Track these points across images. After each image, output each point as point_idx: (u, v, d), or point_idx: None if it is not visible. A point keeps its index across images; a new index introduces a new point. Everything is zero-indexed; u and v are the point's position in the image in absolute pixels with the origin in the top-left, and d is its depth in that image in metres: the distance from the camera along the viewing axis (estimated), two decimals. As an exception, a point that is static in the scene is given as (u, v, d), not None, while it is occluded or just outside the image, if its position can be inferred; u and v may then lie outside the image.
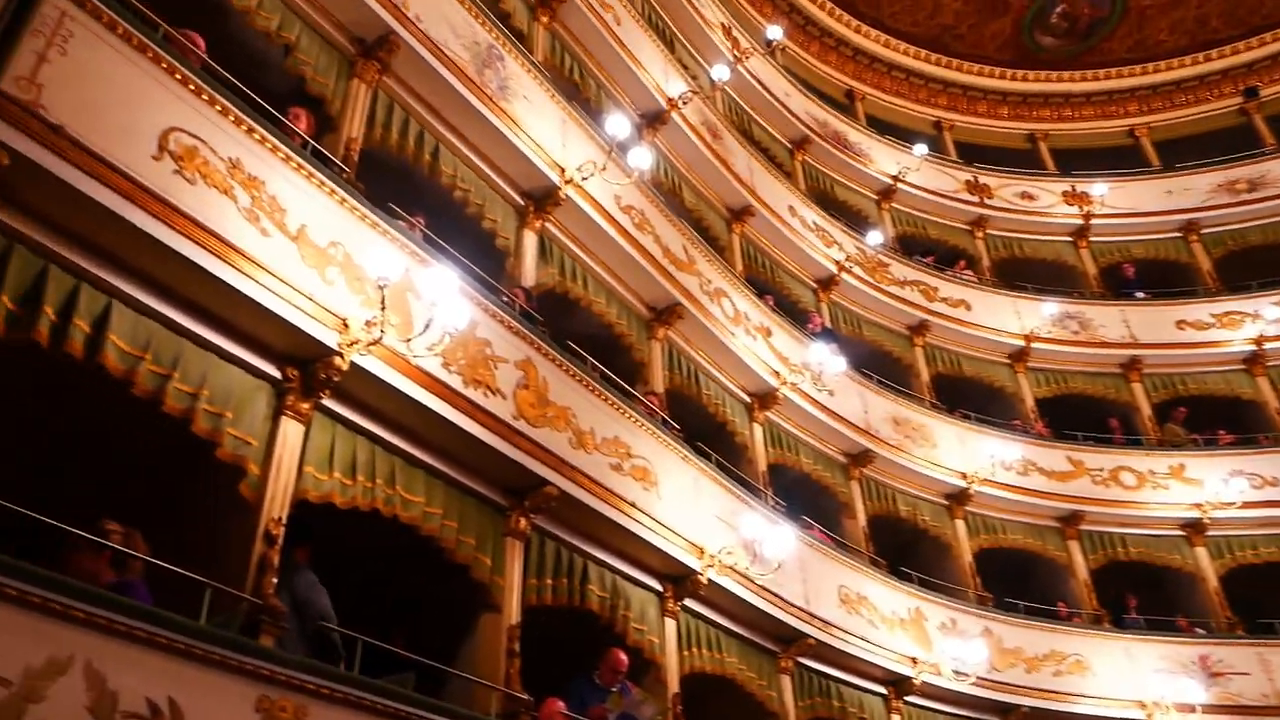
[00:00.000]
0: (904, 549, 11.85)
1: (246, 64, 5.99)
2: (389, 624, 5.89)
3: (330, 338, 5.22)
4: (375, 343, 5.32)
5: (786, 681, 8.80)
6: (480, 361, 6.27)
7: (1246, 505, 12.54)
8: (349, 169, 6.24)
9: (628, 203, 9.41)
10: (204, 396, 4.70)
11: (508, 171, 8.25)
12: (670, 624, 7.69)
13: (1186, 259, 16.00)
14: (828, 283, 13.60)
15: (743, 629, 8.58)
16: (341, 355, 5.24)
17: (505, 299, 7.00)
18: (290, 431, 5.11)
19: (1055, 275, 16.05)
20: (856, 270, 13.86)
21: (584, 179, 8.56)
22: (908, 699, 10.17)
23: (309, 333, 5.13)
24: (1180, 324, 14.76)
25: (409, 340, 5.59)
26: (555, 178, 8.42)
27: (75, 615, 3.40)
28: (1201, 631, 12.05)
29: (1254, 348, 14.28)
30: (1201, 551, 12.74)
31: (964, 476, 12.39)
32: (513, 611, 6.11)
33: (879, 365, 13.34)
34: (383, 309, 5.25)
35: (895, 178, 15.95)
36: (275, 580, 4.66)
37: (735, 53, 14.22)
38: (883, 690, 10.01)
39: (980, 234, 16.41)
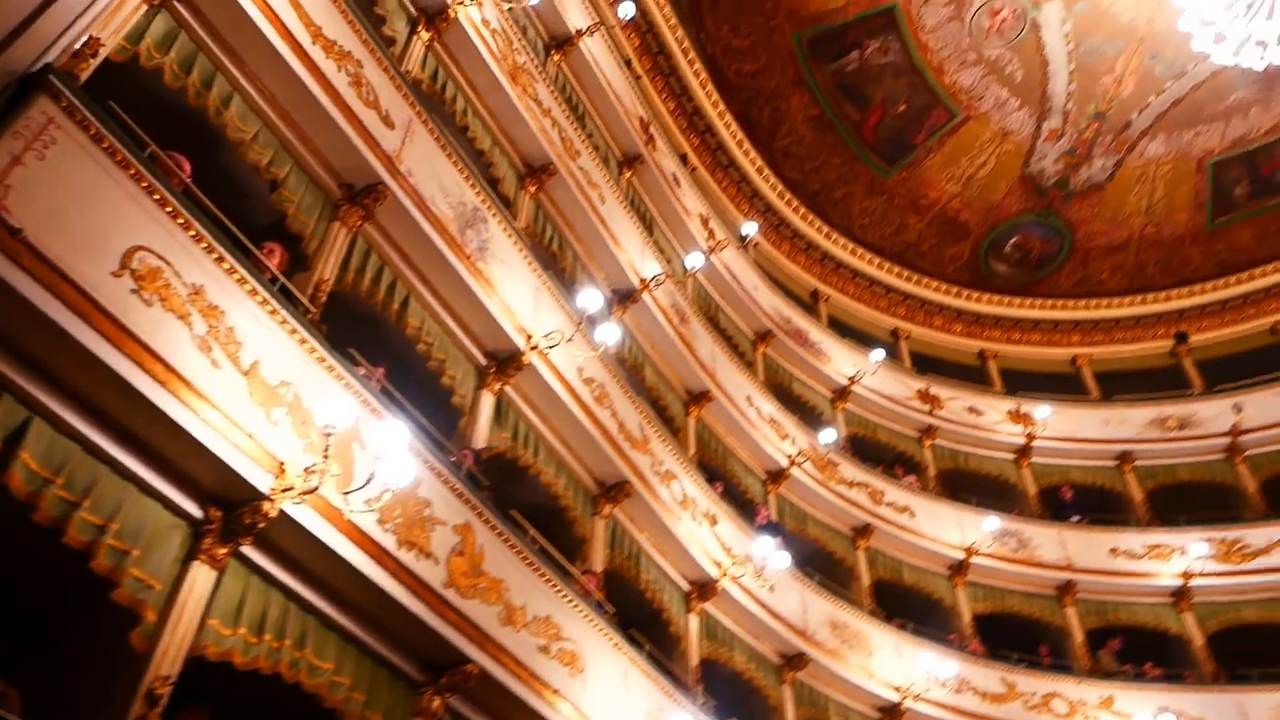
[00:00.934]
0: (834, 763, 11.24)
1: (230, 192, 5.98)
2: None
3: (264, 480, 4.93)
4: (311, 491, 5.03)
5: None
6: (418, 522, 5.96)
7: (1176, 747, 12.21)
8: (315, 309, 6.13)
9: (589, 375, 9.38)
10: (111, 530, 4.33)
11: (474, 330, 8.22)
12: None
13: (1120, 488, 16.32)
14: (778, 475, 13.54)
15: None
16: (272, 500, 4.94)
17: (453, 459, 6.77)
18: (200, 578, 4.72)
19: (997, 491, 16.25)
20: (808, 466, 13.86)
21: (549, 347, 8.54)
22: None
23: (241, 473, 4.84)
24: (1114, 551, 14.84)
25: (347, 493, 5.31)
26: (521, 342, 8.39)
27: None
28: None
29: (1181, 582, 14.33)
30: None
31: (898, 690, 11.95)
32: (412, 805, 5.54)
33: (821, 564, 13.14)
34: (325, 457, 5.00)
35: (851, 379, 16.28)
36: (152, 748, 4.15)
37: (710, 242, 14.74)
38: None
39: (929, 442, 16.66)
